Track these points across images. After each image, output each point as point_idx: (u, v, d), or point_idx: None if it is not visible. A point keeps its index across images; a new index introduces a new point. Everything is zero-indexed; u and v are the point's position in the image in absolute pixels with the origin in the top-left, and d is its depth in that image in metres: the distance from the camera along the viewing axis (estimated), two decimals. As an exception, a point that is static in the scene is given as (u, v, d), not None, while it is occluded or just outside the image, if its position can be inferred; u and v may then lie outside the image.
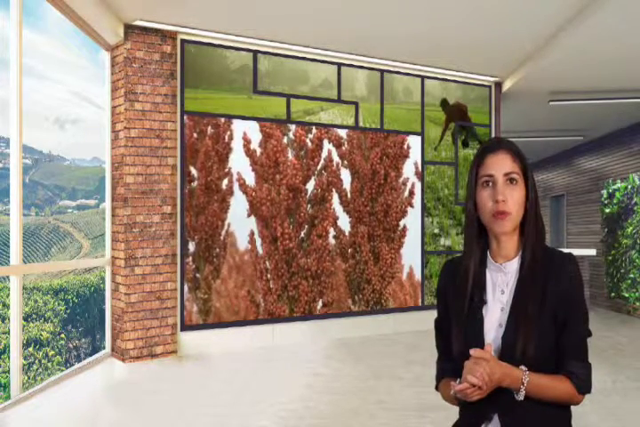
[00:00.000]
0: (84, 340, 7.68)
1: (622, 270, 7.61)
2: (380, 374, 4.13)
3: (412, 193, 5.80)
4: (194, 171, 4.76)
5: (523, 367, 1.17)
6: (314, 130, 5.29)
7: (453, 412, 1.36)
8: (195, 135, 4.77)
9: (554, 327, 1.22)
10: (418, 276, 5.82)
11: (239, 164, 4.94)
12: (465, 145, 6.12)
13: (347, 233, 5.45)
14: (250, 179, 4.98)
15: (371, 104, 5.62)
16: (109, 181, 4.70)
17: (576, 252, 7.33)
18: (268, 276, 5.05)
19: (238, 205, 4.93)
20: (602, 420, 3.18)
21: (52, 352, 6.45)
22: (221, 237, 4.86)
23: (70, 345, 7.34)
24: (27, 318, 6.73)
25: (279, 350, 4.90)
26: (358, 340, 5.33)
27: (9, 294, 3.94)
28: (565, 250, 1.29)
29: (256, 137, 5.02)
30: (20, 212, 3.52)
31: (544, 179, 10.82)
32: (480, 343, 1.22)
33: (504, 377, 1.15)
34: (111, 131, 4.69)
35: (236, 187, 4.92)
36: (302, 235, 5.21)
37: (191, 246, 4.73)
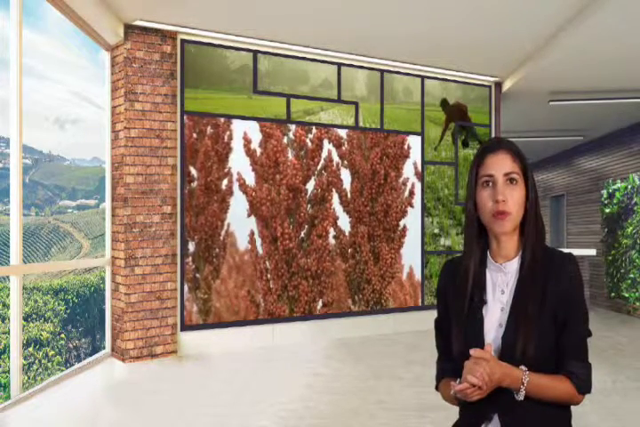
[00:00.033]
0: (83, 340, 7.68)
1: (622, 270, 7.61)
2: (380, 374, 4.13)
3: (412, 193, 5.80)
4: (194, 171, 4.76)
5: (523, 367, 1.17)
6: (314, 130, 5.29)
7: (453, 412, 1.36)
8: (194, 135, 4.77)
9: (554, 327, 1.22)
10: (418, 276, 5.82)
11: (239, 164, 4.94)
12: (465, 145, 6.12)
13: (347, 233, 5.45)
14: (250, 179, 4.98)
15: (371, 104, 5.62)
16: (109, 181, 4.70)
17: (576, 252, 7.33)
18: (268, 276, 5.05)
19: (238, 205, 4.93)
20: (602, 420, 3.18)
21: (52, 352, 6.44)
22: (221, 237, 4.86)
23: (70, 345, 7.34)
24: (27, 318, 6.73)
25: (279, 350, 4.90)
26: (358, 340, 5.33)
27: (9, 294, 3.94)
28: (565, 250, 1.29)
29: (256, 137, 5.02)
30: (20, 212, 3.52)
31: (544, 179, 10.82)
32: (480, 343, 1.22)
33: (504, 377, 1.15)
34: (111, 131, 4.69)
35: (235, 187, 4.92)
36: (302, 235, 5.21)
37: (191, 246, 4.73)
